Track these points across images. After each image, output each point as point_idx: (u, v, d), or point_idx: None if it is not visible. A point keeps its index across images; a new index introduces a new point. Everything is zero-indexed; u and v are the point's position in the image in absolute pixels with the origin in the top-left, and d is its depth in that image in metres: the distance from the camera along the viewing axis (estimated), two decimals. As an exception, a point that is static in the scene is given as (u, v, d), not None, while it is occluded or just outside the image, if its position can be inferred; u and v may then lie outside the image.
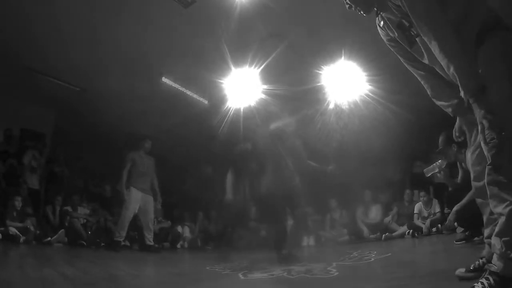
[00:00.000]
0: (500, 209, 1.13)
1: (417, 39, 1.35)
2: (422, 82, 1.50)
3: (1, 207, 4.81)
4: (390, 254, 3.18)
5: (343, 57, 4.61)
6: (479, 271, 1.38)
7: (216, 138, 6.10)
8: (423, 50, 1.36)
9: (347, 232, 5.53)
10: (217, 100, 5.64)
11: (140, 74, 5.21)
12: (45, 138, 6.30)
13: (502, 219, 1.13)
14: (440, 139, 3.33)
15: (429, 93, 1.48)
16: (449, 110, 1.42)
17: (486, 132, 1.13)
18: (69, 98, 5.89)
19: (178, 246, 5.99)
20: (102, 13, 3.95)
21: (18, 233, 4.61)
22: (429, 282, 1.61)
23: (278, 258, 2.98)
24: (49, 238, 4.96)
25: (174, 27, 4.18)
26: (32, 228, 4.78)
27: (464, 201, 2.85)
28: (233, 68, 4.80)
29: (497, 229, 1.15)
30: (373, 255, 3.02)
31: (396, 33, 1.43)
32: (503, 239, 1.12)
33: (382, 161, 5.93)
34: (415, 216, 5.01)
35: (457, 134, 1.49)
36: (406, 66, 1.54)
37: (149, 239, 4.84)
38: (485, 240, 1.43)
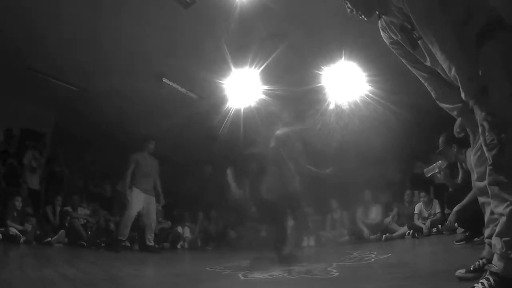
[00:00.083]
0: (501, 209, 1.13)
1: (419, 41, 1.35)
2: (425, 84, 1.50)
3: (1, 207, 4.81)
4: (390, 254, 3.18)
5: (343, 58, 4.61)
6: (479, 271, 1.39)
7: (216, 138, 6.11)
8: (425, 53, 1.36)
9: (347, 232, 5.54)
10: (218, 100, 5.64)
11: (140, 74, 5.22)
12: (45, 138, 6.28)
13: (502, 219, 1.13)
14: (441, 139, 3.34)
15: (433, 95, 1.48)
16: (454, 113, 1.42)
17: (487, 133, 1.14)
18: (70, 98, 5.89)
19: (178, 246, 5.98)
20: (102, 13, 3.95)
21: (18, 233, 4.61)
22: (429, 283, 1.61)
23: (278, 259, 2.98)
24: (49, 239, 4.96)
25: (174, 27, 4.18)
26: (29, 229, 4.78)
27: (464, 201, 2.85)
28: (233, 69, 4.80)
29: (497, 229, 1.15)
30: (373, 256, 3.02)
31: (399, 36, 1.43)
32: (503, 239, 1.12)
33: (382, 161, 5.93)
34: (416, 216, 5.01)
35: (458, 130, 1.50)
36: (410, 68, 1.54)
37: (150, 239, 4.84)
38: (486, 240, 1.43)
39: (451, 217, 3.07)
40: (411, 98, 4.22)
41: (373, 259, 2.82)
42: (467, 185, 2.83)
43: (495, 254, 1.16)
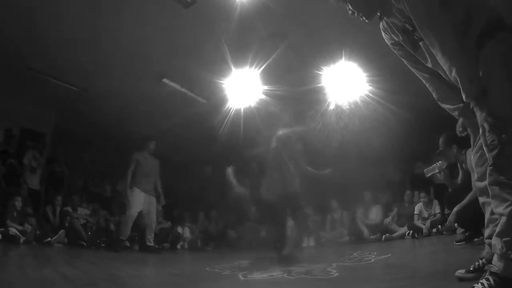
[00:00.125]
0: (501, 209, 1.13)
1: (420, 43, 1.35)
2: (427, 85, 1.50)
3: (1, 207, 4.81)
4: (390, 255, 3.18)
5: (343, 58, 4.61)
6: (479, 271, 1.39)
7: (216, 139, 6.11)
8: (426, 54, 1.36)
9: (347, 232, 5.53)
10: (218, 100, 5.64)
11: (140, 74, 5.22)
12: (45, 138, 6.29)
13: (503, 219, 1.13)
14: (441, 140, 3.34)
15: (434, 96, 1.48)
16: (455, 114, 1.43)
17: (487, 134, 1.14)
18: (70, 98, 5.89)
19: (178, 246, 5.98)
20: (102, 13, 3.95)
21: (18, 233, 4.61)
22: (429, 283, 1.61)
23: (278, 259, 2.98)
24: (49, 239, 4.96)
25: (174, 27, 4.18)
26: (29, 229, 4.78)
27: (464, 202, 2.85)
28: (233, 69, 4.80)
29: (497, 229, 1.15)
30: (373, 256, 3.02)
31: (400, 37, 1.43)
32: (503, 239, 1.12)
33: (382, 162, 5.93)
34: (415, 217, 5.00)
35: (460, 129, 1.50)
36: (411, 68, 1.54)
37: (150, 239, 4.84)
38: (486, 241, 1.43)
39: (451, 218, 3.07)
40: (411, 98, 4.23)
41: (373, 260, 2.82)
42: (467, 185, 2.84)
43: (495, 254, 1.16)
